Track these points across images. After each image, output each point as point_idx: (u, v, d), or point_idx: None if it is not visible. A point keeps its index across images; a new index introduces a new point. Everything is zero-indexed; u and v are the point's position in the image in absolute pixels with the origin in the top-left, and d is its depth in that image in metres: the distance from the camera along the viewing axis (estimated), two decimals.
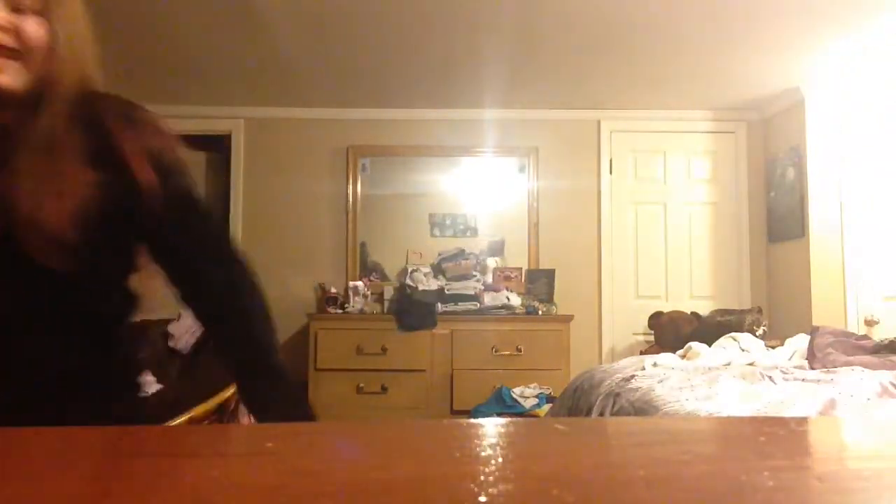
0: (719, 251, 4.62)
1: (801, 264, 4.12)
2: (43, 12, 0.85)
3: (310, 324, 4.04)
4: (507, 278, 4.42)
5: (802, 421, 1.04)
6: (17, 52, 0.83)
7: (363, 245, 4.56)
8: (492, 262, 4.44)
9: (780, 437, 0.63)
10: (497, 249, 4.57)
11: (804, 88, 4.06)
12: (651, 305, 4.43)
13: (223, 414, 2.45)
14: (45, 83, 0.86)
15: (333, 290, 4.25)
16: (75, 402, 0.91)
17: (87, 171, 0.85)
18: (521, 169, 4.66)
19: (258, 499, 0.42)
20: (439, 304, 4.05)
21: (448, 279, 4.23)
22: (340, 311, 4.15)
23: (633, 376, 2.62)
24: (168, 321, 3.22)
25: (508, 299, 4.15)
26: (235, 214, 4.60)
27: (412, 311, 4.00)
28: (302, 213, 4.54)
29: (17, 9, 0.83)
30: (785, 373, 2.53)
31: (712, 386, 2.33)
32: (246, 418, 2.75)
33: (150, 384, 2.86)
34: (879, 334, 3.51)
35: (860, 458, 0.59)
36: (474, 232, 4.63)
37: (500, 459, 0.51)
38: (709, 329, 3.73)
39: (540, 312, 4.15)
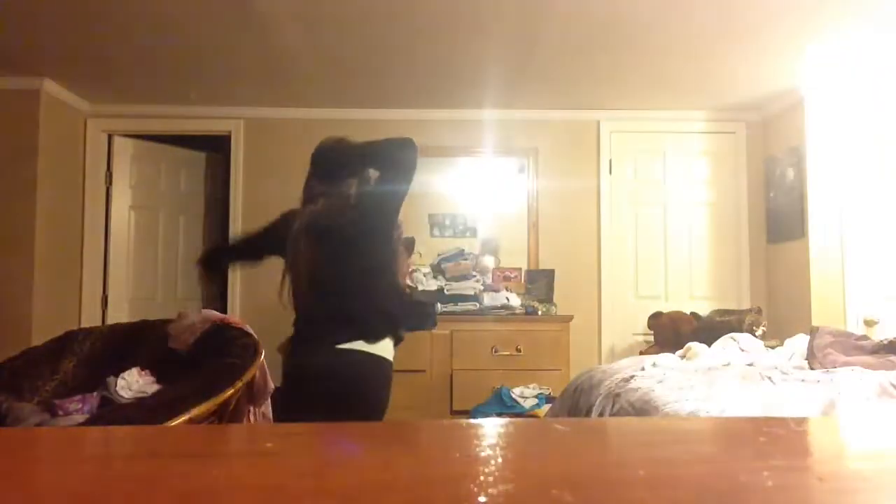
0: (719, 251, 4.62)
1: (801, 264, 4.12)
2: None
3: None
4: (507, 278, 4.41)
5: (802, 421, 1.04)
6: None
7: None
8: (490, 262, 4.45)
9: (780, 437, 0.63)
10: (491, 248, 4.57)
11: (804, 88, 4.06)
12: (651, 306, 4.42)
13: (223, 414, 2.45)
14: None
15: None
16: None
17: None
18: (521, 169, 4.66)
19: (258, 499, 0.42)
20: (439, 305, 4.04)
21: (447, 279, 4.23)
22: None
23: (632, 376, 2.62)
24: (168, 321, 3.21)
25: (508, 299, 4.15)
26: (235, 214, 4.60)
27: (411, 311, 3.99)
28: None
29: None
30: (784, 373, 2.53)
31: (712, 386, 2.33)
32: (246, 418, 2.75)
33: (150, 384, 2.86)
34: (879, 334, 3.51)
35: (860, 458, 0.59)
36: (474, 232, 4.63)
37: (500, 459, 0.51)
38: (708, 329, 3.73)
39: (539, 313, 4.15)
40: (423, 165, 5.06)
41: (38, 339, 3.48)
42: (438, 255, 4.39)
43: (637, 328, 4.49)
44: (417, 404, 3.88)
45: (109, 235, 4.57)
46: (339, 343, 1.93)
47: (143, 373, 2.90)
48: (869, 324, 3.93)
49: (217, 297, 4.94)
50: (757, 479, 0.46)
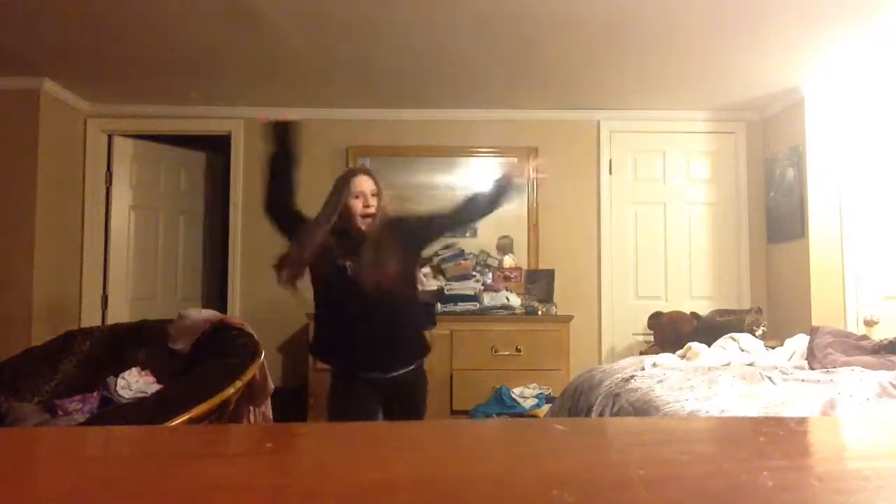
0: (719, 251, 4.61)
1: (801, 264, 4.12)
2: (379, 196, 2.35)
3: (310, 324, 4.03)
4: (507, 278, 4.41)
5: (802, 421, 1.04)
6: (375, 214, 2.33)
7: None
8: (509, 260, 4.48)
9: (780, 437, 0.64)
10: (507, 248, 4.58)
11: (804, 88, 4.06)
12: (651, 305, 4.42)
13: (223, 414, 2.45)
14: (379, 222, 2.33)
15: None
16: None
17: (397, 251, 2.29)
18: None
19: (258, 499, 0.42)
20: (439, 305, 4.04)
21: (448, 279, 4.23)
22: None
23: (632, 377, 2.62)
24: (168, 321, 3.22)
25: (508, 299, 4.15)
26: (235, 214, 4.60)
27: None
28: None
29: (374, 195, 2.35)
30: (784, 373, 2.53)
31: (712, 386, 2.33)
32: (246, 419, 2.75)
33: (150, 384, 2.86)
34: (879, 334, 3.51)
35: (860, 458, 0.59)
36: (474, 232, 4.63)
37: (500, 459, 0.51)
38: (708, 329, 3.73)
39: (539, 313, 4.15)
40: (424, 165, 5.09)
41: (38, 339, 3.49)
42: (438, 255, 4.38)
43: (637, 328, 4.49)
44: None
45: (109, 235, 4.57)
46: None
47: (143, 373, 2.90)
48: (869, 324, 3.93)
49: (217, 296, 4.94)
50: (757, 479, 0.46)
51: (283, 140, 2.42)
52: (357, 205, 2.34)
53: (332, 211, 2.35)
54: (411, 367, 2.40)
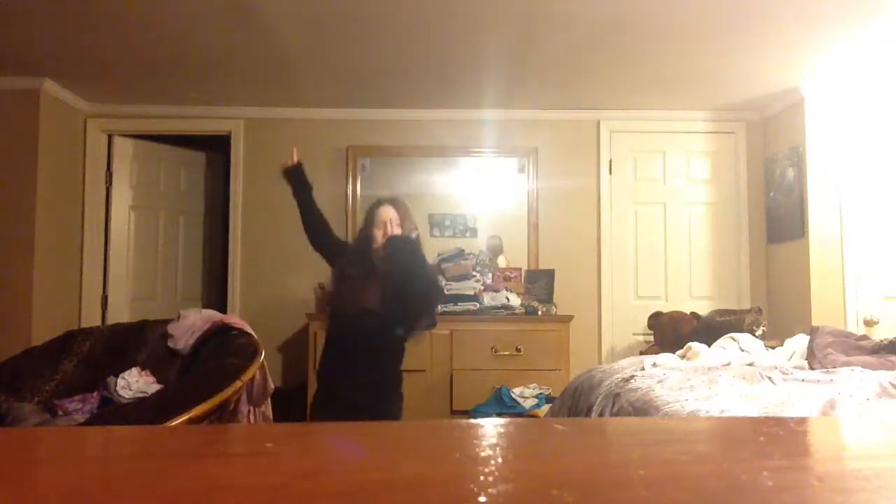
0: (719, 251, 4.62)
1: (801, 264, 4.12)
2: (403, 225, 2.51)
3: (309, 324, 4.04)
4: (507, 278, 4.41)
5: (802, 421, 1.04)
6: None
7: None
8: (501, 261, 4.48)
9: (780, 437, 0.64)
10: (496, 249, 4.58)
11: (804, 88, 4.06)
12: (651, 305, 4.42)
13: (223, 414, 2.45)
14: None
15: None
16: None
17: None
18: (521, 169, 4.66)
19: (258, 499, 0.42)
20: (439, 305, 4.04)
21: (448, 279, 4.23)
22: None
23: (632, 377, 2.62)
24: (168, 321, 3.22)
25: (508, 299, 4.15)
26: (235, 214, 4.59)
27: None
28: None
29: (398, 225, 2.49)
30: (784, 373, 2.53)
31: (712, 386, 2.33)
32: (246, 419, 2.75)
33: (150, 384, 2.86)
34: (879, 334, 3.51)
35: (860, 458, 0.59)
36: (474, 232, 4.63)
37: (500, 459, 0.51)
38: (708, 329, 3.73)
39: (539, 313, 4.15)
40: (423, 165, 5.09)
41: (38, 339, 3.49)
42: (438, 255, 4.38)
43: (637, 328, 4.49)
44: (417, 404, 3.88)
45: (109, 235, 4.57)
46: None
47: (143, 373, 2.90)
48: (869, 324, 3.93)
49: (217, 299, 4.94)
50: (757, 479, 0.46)
51: (297, 176, 2.65)
52: (378, 235, 2.48)
53: (357, 239, 2.60)
54: (366, 410, 2.37)
